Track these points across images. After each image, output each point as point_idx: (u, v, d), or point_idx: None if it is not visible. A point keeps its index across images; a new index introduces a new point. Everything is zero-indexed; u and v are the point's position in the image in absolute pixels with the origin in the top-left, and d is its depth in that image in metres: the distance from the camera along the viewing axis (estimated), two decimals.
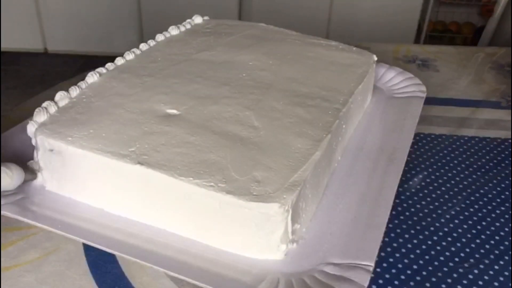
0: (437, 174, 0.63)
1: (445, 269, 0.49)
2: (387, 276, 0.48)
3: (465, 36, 2.23)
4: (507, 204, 0.58)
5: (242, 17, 2.09)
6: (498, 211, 0.57)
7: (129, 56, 0.64)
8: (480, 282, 0.48)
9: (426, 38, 2.16)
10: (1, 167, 0.44)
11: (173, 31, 0.72)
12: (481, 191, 0.60)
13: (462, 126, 0.73)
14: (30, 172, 0.49)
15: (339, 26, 2.08)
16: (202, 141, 0.49)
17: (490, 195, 0.59)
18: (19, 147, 0.54)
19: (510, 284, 0.48)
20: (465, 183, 0.61)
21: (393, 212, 0.55)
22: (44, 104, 0.52)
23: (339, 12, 2.08)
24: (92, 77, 0.58)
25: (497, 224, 0.55)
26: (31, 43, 2.19)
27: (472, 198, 0.59)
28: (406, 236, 0.53)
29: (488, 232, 0.54)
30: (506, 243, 0.53)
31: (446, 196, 0.59)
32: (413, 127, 0.63)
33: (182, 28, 0.73)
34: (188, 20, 0.76)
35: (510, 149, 0.68)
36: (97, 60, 0.71)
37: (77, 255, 0.48)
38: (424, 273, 0.49)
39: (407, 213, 0.56)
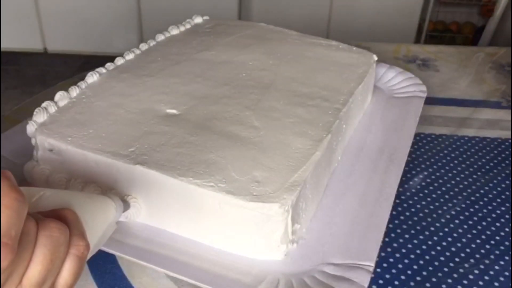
0: (437, 174, 0.63)
1: (445, 269, 0.49)
2: (387, 276, 0.48)
3: (465, 36, 2.23)
4: (507, 204, 0.58)
5: (242, 17, 2.09)
6: (498, 212, 0.57)
7: (129, 56, 0.64)
8: (480, 283, 0.48)
9: (426, 38, 2.16)
10: (110, 201, 0.40)
11: (173, 31, 0.72)
12: (481, 191, 0.60)
13: (462, 126, 0.73)
14: (125, 202, 0.45)
15: (339, 26, 2.08)
16: (202, 141, 0.49)
17: (490, 195, 0.59)
18: (19, 147, 0.54)
19: (510, 284, 0.48)
20: (465, 183, 0.61)
21: (393, 212, 0.55)
22: (44, 104, 0.52)
23: (339, 12, 2.07)
24: (92, 77, 0.58)
25: (497, 224, 0.55)
26: (31, 43, 2.19)
27: (472, 198, 0.59)
28: (406, 236, 0.53)
29: (488, 233, 0.54)
30: (506, 243, 0.53)
31: (446, 196, 0.59)
32: (413, 127, 0.63)
33: (182, 28, 0.73)
34: (188, 20, 0.76)
35: (510, 149, 0.68)
36: (97, 60, 0.71)
37: None
38: (424, 273, 0.49)
39: (407, 213, 0.56)
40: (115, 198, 0.41)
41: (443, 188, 0.60)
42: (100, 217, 0.37)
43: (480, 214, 0.56)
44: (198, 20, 0.77)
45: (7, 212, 0.25)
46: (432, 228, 0.54)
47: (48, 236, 0.28)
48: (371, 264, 0.43)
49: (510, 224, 0.55)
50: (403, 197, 0.58)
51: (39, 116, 0.51)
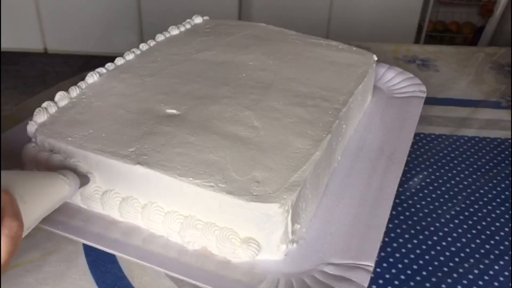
0: (437, 174, 0.63)
1: (445, 269, 0.49)
2: (387, 276, 0.48)
3: (465, 36, 2.22)
4: (507, 204, 0.58)
5: (242, 17, 2.09)
6: (498, 211, 0.57)
7: (129, 56, 0.64)
8: (480, 282, 0.48)
9: (426, 38, 2.16)
10: (59, 176, 0.43)
11: (173, 31, 0.72)
12: (481, 191, 0.60)
13: (462, 126, 0.73)
14: (82, 176, 0.47)
15: (339, 26, 2.08)
16: (202, 141, 0.49)
17: (490, 195, 0.59)
18: (19, 147, 0.54)
19: (510, 284, 0.48)
20: (465, 183, 0.61)
21: (393, 212, 0.55)
22: (44, 104, 0.52)
23: (339, 12, 2.07)
24: (92, 77, 0.58)
25: (497, 224, 0.55)
26: (31, 43, 2.19)
27: (472, 198, 0.59)
28: (406, 236, 0.53)
29: (488, 232, 0.54)
30: (506, 243, 0.53)
31: (446, 196, 0.59)
32: (413, 127, 0.63)
33: (182, 28, 0.73)
34: (188, 20, 0.76)
35: (510, 149, 0.68)
36: (97, 60, 0.71)
37: (77, 255, 0.48)
38: (424, 273, 0.49)
39: (407, 213, 0.56)
40: (69, 174, 0.44)
41: (443, 188, 0.60)
42: (47, 193, 0.41)
43: (479, 214, 0.57)
44: (198, 20, 0.77)
45: None
46: (432, 228, 0.54)
47: None
48: (371, 264, 0.43)
49: (510, 224, 0.55)
50: (403, 197, 0.58)
51: (39, 116, 0.51)
